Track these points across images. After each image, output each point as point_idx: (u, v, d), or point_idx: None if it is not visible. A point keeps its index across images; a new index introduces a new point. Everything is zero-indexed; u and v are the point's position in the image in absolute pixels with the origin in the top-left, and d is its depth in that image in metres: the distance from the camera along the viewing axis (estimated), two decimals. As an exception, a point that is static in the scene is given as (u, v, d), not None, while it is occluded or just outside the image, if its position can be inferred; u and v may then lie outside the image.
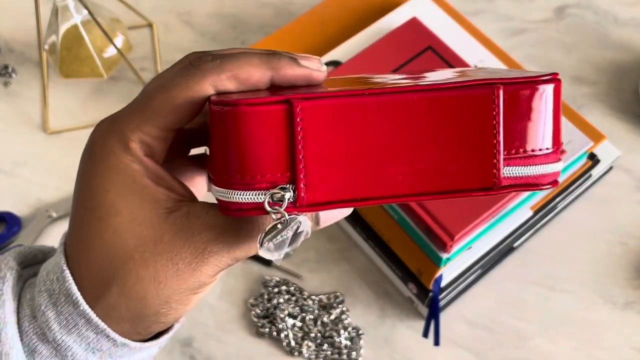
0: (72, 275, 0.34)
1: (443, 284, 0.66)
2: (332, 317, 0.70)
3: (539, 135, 0.32)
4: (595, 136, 0.68)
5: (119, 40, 0.80)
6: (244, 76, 0.33)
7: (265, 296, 0.71)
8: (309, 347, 0.68)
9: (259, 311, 0.70)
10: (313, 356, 0.68)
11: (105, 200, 0.33)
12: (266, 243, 0.31)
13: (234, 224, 0.34)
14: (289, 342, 0.68)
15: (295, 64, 0.34)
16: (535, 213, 0.68)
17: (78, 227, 0.34)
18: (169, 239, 0.33)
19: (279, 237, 0.31)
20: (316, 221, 0.35)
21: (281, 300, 0.70)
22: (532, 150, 0.32)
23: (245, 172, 0.31)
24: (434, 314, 0.66)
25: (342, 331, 0.69)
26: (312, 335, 0.69)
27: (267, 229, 0.31)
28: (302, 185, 0.31)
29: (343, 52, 0.74)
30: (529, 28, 0.86)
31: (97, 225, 0.34)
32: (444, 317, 0.69)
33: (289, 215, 0.31)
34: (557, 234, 0.73)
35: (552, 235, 0.73)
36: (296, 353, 0.68)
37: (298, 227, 0.32)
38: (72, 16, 0.77)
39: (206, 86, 0.33)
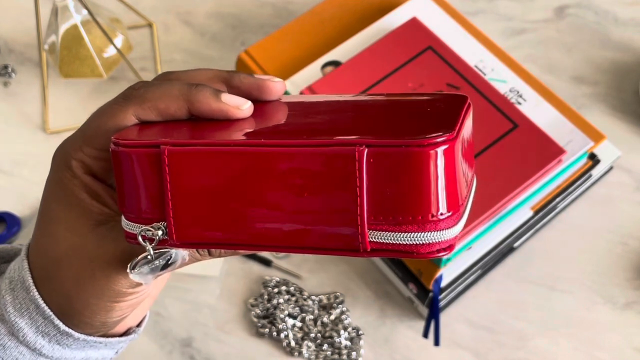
0: (29, 267, 0.39)
1: (443, 284, 0.66)
2: (332, 317, 0.70)
3: (420, 201, 0.29)
4: (596, 136, 0.68)
5: (118, 40, 0.80)
6: (162, 107, 0.35)
7: (265, 296, 0.71)
8: (309, 347, 0.68)
9: (259, 311, 0.70)
10: (313, 356, 0.68)
11: (50, 209, 0.37)
12: (136, 269, 0.34)
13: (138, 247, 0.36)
14: (289, 342, 0.68)
15: (214, 100, 0.35)
16: (535, 213, 0.68)
17: (35, 228, 0.39)
18: (92, 247, 0.36)
19: (147, 266, 0.34)
20: (205, 253, 0.36)
21: (281, 300, 0.70)
22: (410, 217, 0.29)
23: (128, 207, 0.33)
24: (434, 314, 0.66)
25: (342, 331, 0.69)
26: (312, 335, 0.69)
27: (137, 259, 0.34)
28: (172, 226, 0.32)
29: (343, 52, 0.74)
30: (529, 28, 0.86)
31: (43, 229, 0.38)
32: (444, 317, 0.69)
33: (154, 251, 0.33)
34: (557, 234, 0.73)
35: (552, 235, 0.73)
36: (296, 353, 0.68)
37: (169, 259, 0.34)
38: (72, 16, 0.77)
39: (129, 115, 0.36)
